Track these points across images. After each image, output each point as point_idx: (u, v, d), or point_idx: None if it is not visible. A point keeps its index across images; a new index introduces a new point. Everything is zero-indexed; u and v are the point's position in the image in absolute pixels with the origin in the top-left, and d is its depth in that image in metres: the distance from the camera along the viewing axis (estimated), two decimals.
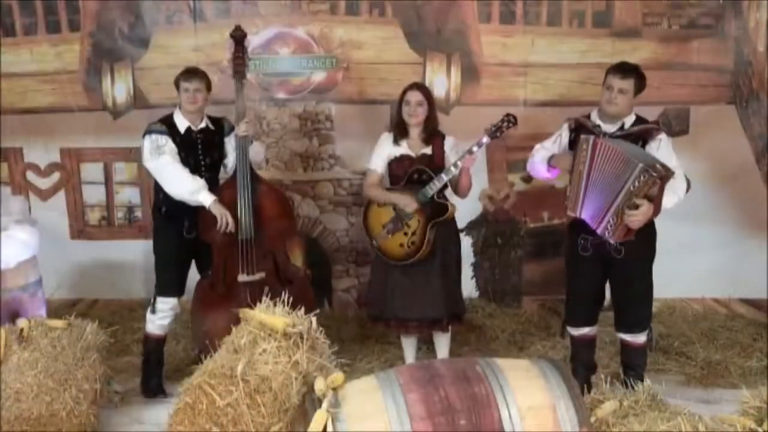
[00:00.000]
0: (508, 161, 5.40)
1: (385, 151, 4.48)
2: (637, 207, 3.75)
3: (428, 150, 4.39)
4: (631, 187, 3.72)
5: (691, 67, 5.32)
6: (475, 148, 4.20)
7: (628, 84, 3.97)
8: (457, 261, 4.49)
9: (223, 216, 4.28)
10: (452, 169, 4.24)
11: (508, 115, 4.22)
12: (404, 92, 4.42)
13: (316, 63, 5.43)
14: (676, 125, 5.37)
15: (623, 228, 3.81)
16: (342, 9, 5.38)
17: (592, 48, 5.31)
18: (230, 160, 4.56)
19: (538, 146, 4.24)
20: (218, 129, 4.50)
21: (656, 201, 3.78)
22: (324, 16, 5.40)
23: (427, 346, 4.85)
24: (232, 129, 4.53)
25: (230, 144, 4.54)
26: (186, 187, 4.27)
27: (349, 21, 5.39)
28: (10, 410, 3.62)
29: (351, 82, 5.42)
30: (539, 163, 4.15)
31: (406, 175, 4.39)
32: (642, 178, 3.69)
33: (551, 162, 4.10)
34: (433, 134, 4.40)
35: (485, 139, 4.22)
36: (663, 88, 5.33)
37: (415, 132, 4.42)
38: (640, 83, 4.03)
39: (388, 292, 4.43)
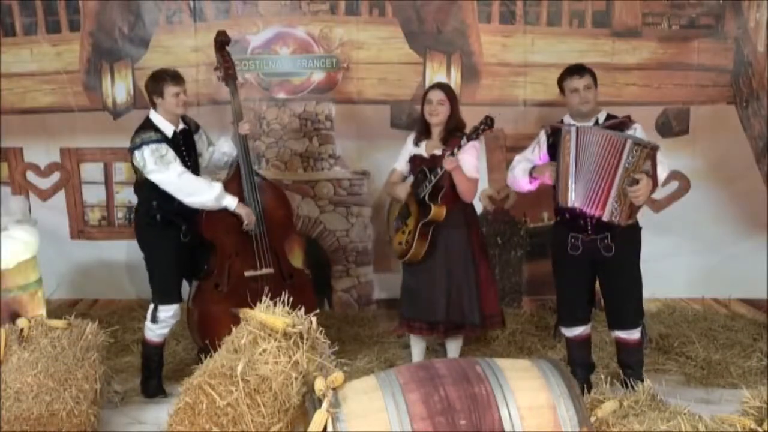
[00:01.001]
0: (508, 161, 5.37)
1: (406, 151, 4.53)
2: (637, 182, 3.78)
3: (439, 150, 4.38)
4: (627, 164, 3.77)
5: (691, 67, 5.32)
6: (455, 151, 4.22)
7: (588, 80, 4.11)
8: (467, 266, 4.36)
9: (249, 214, 4.36)
10: (438, 170, 4.25)
11: (486, 117, 4.23)
12: (426, 92, 4.44)
13: (316, 63, 5.43)
14: (676, 125, 5.37)
15: (628, 208, 3.84)
16: (342, 9, 5.39)
17: (592, 48, 5.32)
18: (204, 158, 4.60)
19: (518, 158, 4.29)
20: (190, 128, 4.51)
21: (653, 174, 3.83)
22: (324, 16, 5.40)
23: (428, 347, 4.85)
24: (198, 127, 4.56)
25: (201, 143, 4.57)
26: (209, 194, 4.28)
27: (349, 21, 5.39)
28: (10, 410, 3.62)
29: (351, 82, 5.43)
30: (521, 177, 4.19)
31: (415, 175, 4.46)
32: (635, 152, 3.76)
33: (533, 173, 4.12)
34: (452, 134, 4.38)
35: (464, 141, 4.23)
36: (663, 88, 5.34)
37: (436, 132, 4.43)
38: (595, 76, 4.16)
39: (402, 291, 4.49)
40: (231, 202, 4.34)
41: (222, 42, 4.63)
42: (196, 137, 4.52)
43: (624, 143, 3.79)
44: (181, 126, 4.41)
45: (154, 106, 4.33)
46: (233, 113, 4.55)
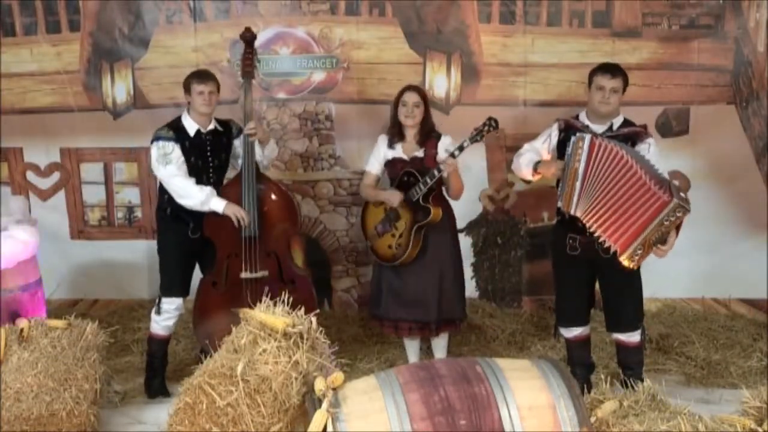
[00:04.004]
0: (508, 161, 5.38)
1: (381, 153, 4.52)
2: (665, 241, 3.76)
3: (420, 152, 4.41)
4: (665, 222, 3.69)
5: (691, 67, 5.32)
6: (456, 153, 4.23)
7: (618, 83, 4.04)
8: (455, 263, 4.48)
9: (236, 214, 4.34)
10: (435, 173, 4.26)
11: (490, 119, 4.23)
12: (400, 94, 4.44)
13: (316, 63, 5.43)
14: (676, 125, 5.36)
15: (644, 256, 3.80)
16: (342, 9, 5.38)
17: (592, 48, 5.31)
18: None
19: (526, 146, 4.24)
20: (226, 131, 4.53)
21: (679, 227, 3.79)
22: (324, 16, 5.40)
23: (427, 346, 4.85)
24: (240, 131, 4.56)
25: (240, 145, 4.56)
26: (196, 198, 4.31)
27: (349, 21, 5.39)
28: (10, 410, 3.62)
29: (351, 82, 5.42)
30: (525, 166, 4.15)
31: (397, 177, 4.43)
32: (677, 214, 3.68)
33: (538, 168, 4.09)
34: (428, 136, 4.41)
35: (466, 143, 4.24)
36: (663, 88, 5.33)
37: (410, 134, 4.45)
38: (626, 82, 4.10)
39: (383, 292, 4.48)
40: (218, 205, 4.34)
41: (247, 38, 4.60)
42: (236, 141, 4.54)
43: (666, 202, 3.66)
44: (212, 127, 4.44)
45: (188, 105, 4.43)
46: (244, 112, 4.54)
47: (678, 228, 3.80)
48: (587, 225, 3.88)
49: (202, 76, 4.40)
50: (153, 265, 4.74)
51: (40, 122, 5.56)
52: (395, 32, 5.37)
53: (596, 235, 3.85)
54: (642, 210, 3.72)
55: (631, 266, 3.82)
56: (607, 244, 3.83)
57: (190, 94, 4.38)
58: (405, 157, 4.44)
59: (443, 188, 4.44)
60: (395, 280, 4.43)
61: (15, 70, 5.49)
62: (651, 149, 4.00)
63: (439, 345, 4.55)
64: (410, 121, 4.39)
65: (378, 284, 4.53)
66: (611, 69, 4.07)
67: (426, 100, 4.45)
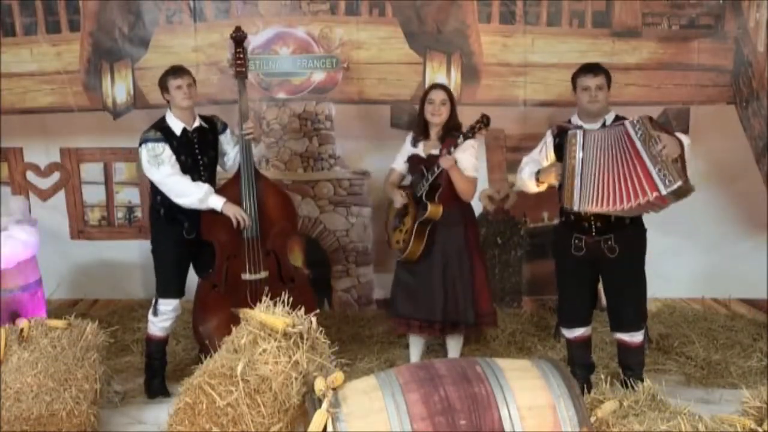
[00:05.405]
0: (508, 161, 5.40)
1: (405, 150, 4.56)
2: (659, 140, 3.79)
3: (437, 150, 4.41)
4: (641, 138, 3.79)
5: (691, 67, 5.32)
6: (452, 149, 4.25)
7: (601, 80, 4.09)
8: (467, 265, 4.40)
9: (236, 214, 4.33)
10: (435, 169, 4.28)
11: (483, 115, 4.25)
12: (427, 92, 4.47)
13: (316, 63, 5.43)
14: (676, 125, 5.36)
15: (673, 167, 3.76)
16: (342, 9, 5.38)
17: (592, 48, 5.31)
18: (230, 157, 4.59)
19: (525, 159, 4.28)
20: (212, 127, 4.52)
21: (667, 130, 3.89)
22: (324, 16, 5.40)
23: (428, 346, 4.85)
24: (225, 127, 4.57)
25: (226, 142, 4.57)
26: (194, 196, 4.30)
27: (349, 21, 5.39)
28: (10, 410, 3.63)
29: (351, 82, 5.42)
30: (528, 179, 4.17)
31: (415, 174, 4.48)
32: (637, 123, 3.83)
33: (540, 177, 4.11)
34: (448, 134, 4.40)
35: (460, 140, 4.25)
36: (663, 88, 5.34)
37: (435, 132, 4.45)
38: (609, 78, 4.14)
39: (397, 289, 4.50)
40: (217, 202, 4.33)
41: (237, 38, 4.61)
42: (221, 137, 4.55)
43: (624, 126, 3.84)
44: (197, 124, 4.43)
45: (169, 104, 4.40)
46: (239, 112, 4.54)
47: (669, 130, 3.92)
48: (603, 211, 3.87)
49: (176, 71, 4.37)
50: (152, 265, 4.72)
51: (40, 122, 5.56)
52: (395, 32, 5.37)
53: (618, 210, 3.85)
54: (628, 152, 3.82)
55: (685, 187, 3.80)
56: (642, 202, 3.79)
57: (168, 92, 4.35)
58: (422, 154, 4.46)
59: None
60: (406, 277, 4.45)
61: (15, 70, 5.49)
62: None
63: (452, 346, 4.55)
64: (437, 119, 4.40)
65: (395, 282, 4.57)
66: (592, 68, 4.13)
67: (452, 99, 4.46)
